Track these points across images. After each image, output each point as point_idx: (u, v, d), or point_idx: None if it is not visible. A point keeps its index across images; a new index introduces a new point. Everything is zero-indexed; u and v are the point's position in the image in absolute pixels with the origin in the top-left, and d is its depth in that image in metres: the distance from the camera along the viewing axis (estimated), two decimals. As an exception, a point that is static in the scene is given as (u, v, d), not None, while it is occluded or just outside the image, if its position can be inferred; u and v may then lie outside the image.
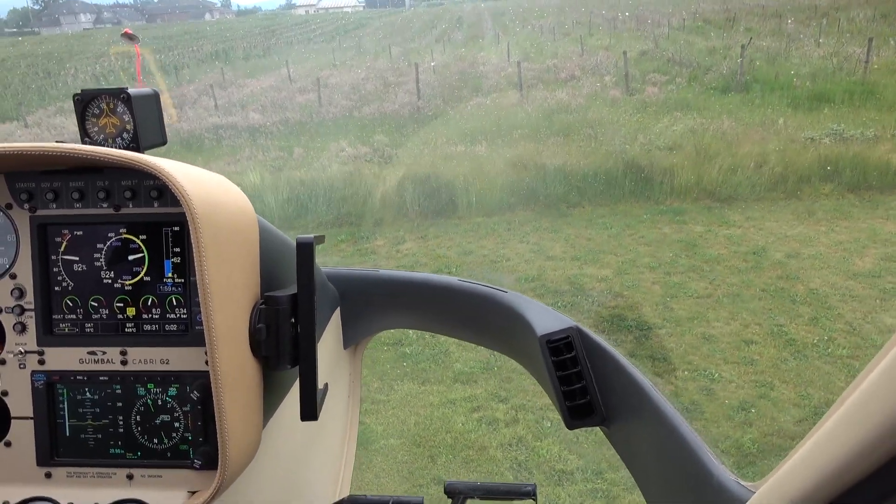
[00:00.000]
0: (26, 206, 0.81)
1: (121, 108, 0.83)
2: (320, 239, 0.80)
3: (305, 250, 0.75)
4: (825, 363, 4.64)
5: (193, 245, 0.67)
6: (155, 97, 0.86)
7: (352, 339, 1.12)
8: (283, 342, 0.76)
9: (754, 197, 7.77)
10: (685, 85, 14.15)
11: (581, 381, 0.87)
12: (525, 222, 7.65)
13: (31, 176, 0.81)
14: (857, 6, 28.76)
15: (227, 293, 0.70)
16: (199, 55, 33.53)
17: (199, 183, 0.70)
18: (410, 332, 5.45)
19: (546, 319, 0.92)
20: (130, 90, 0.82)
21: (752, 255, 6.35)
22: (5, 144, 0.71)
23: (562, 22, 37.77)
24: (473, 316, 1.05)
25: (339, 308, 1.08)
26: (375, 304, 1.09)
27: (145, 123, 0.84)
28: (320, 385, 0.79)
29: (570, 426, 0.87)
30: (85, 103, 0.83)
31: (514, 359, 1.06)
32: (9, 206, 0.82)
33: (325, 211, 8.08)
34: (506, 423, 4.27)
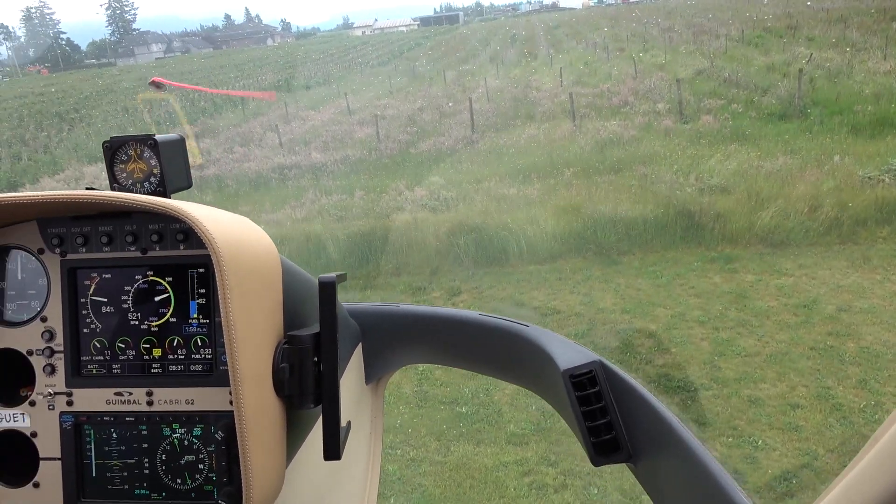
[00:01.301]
0: (57, 250, 0.85)
1: (148, 153, 0.85)
2: (342, 277, 0.81)
3: (328, 289, 0.76)
4: (871, 430, 4.70)
5: (219, 286, 0.69)
6: (181, 142, 0.89)
7: (373, 374, 1.12)
8: (307, 381, 0.77)
9: (807, 242, 7.75)
10: (741, 111, 14.02)
11: (606, 416, 0.85)
12: (576, 271, 7.90)
13: (62, 221, 0.85)
14: (931, 7, 27.47)
15: (252, 333, 0.72)
16: (263, 85, 35.22)
17: (223, 225, 0.72)
18: (465, 390, 5.82)
19: (568, 353, 0.91)
20: (157, 136, 0.85)
21: (803, 308, 6.41)
22: (38, 193, 0.75)
23: (616, 35, 37.55)
24: (495, 350, 1.05)
25: (360, 344, 1.09)
26: (397, 339, 1.10)
27: (171, 168, 0.86)
28: (343, 423, 0.79)
29: (596, 463, 0.86)
30: (114, 150, 0.86)
31: (537, 393, 1.04)
32: (41, 251, 0.85)
33: (385, 261, 8.56)
34: (554, 488, 4.56)
